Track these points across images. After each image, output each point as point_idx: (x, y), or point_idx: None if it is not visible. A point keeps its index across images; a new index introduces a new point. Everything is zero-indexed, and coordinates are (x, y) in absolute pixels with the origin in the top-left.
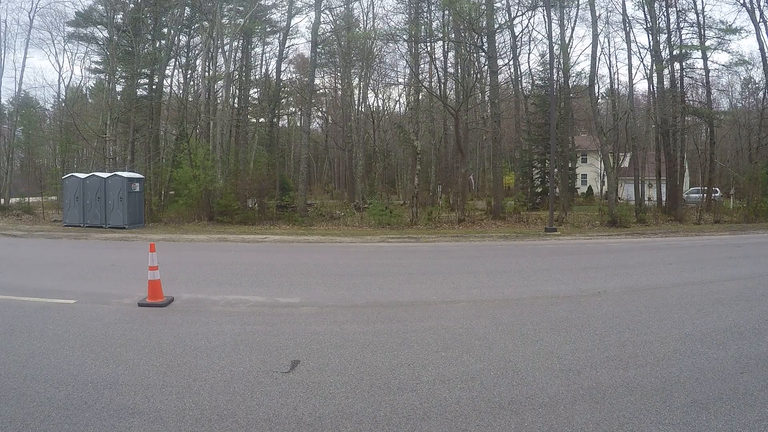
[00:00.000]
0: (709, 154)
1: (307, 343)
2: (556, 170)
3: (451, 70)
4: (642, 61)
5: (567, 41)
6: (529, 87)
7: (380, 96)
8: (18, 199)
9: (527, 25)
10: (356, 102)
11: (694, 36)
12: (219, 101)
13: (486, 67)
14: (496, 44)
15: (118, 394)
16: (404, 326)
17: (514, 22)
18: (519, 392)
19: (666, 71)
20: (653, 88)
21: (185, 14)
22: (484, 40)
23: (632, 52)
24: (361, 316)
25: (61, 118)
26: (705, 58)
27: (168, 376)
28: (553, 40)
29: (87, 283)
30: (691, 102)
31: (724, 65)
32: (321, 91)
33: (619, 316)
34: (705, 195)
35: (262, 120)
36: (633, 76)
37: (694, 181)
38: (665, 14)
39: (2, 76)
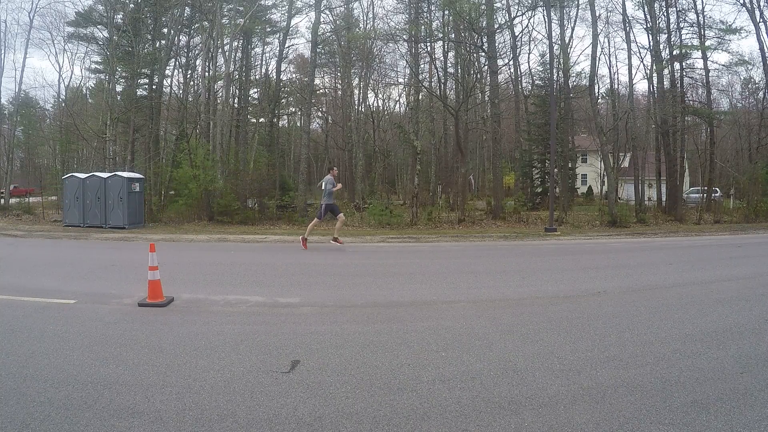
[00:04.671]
0: (709, 154)
1: (307, 343)
2: (556, 170)
3: (451, 70)
4: (642, 61)
5: (567, 41)
6: (529, 87)
7: (380, 96)
8: (18, 199)
9: (527, 25)
10: (356, 102)
11: (694, 36)
12: (219, 101)
13: (486, 67)
14: (496, 44)
15: (118, 394)
16: (404, 326)
17: (514, 22)
18: (519, 392)
19: (666, 71)
20: (653, 88)
21: (185, 14)
22: (484, 40)
23: (632, 52)
24: (361, 316)
25: (61, 118)
26: (705, 58)
27: (168, 376)
28: (553, 40)
29: (87, 283)
30: (691, 102)
31: (724, 65)
32: (321, 91)
33: (619, 316)
34: (705, 195)
35: (262, 120)
36: (633, 76)
37: (694, 181)
38: (665, 14)
39: (2, 76)
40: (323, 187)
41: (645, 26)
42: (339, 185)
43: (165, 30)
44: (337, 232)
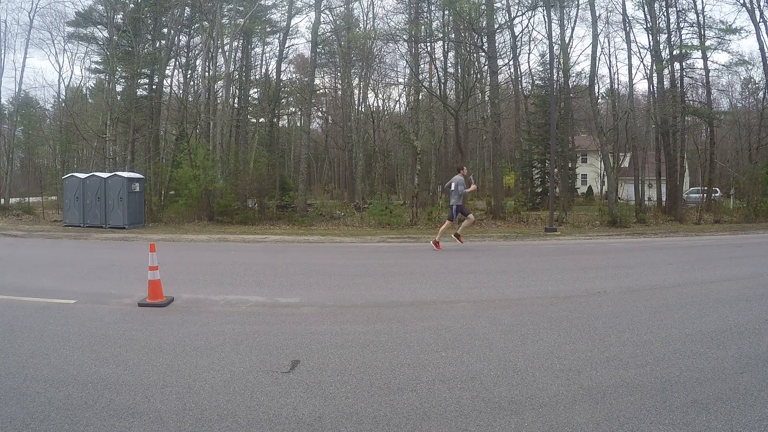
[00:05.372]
0: (709, 154)
1: (307, 343)
2: (556, 170)
3: (451, 70)
4: (642, 61)
5: (567, 41)
6: (529, 87)
7: (380, 96)
8: (18, 199)
9: (527, 25)
10: (356, 102)
11: (694, 36)
12: (219, 101)
13: (486, 67)
14: (496, 44)
15: (118, 394)
16: (404, 326)
17: (514, 22)
18: (519, 392)
19: (666, 71)
20: (653, 88)
21: (185, 14)
22: (484, 40)
23: (632, 52)
24: (361, 316)
25: (61, 118)
26: (705, 58)
27: (168, 376)
28: (553, 40)
29: (87, 283)
30: (691, 102)
31: (724, 65)
32: (321, 91)
33: (619, 316)
34: (705, 195)
35: (262, 120)
36: (633, 76)
37: (694, 181)
38: (665, 14)
39: (2, 76)
40: (453, 188)
41: (645, 26)
42: (473, 187)
43: (165, 30)
44: (462, 230)
